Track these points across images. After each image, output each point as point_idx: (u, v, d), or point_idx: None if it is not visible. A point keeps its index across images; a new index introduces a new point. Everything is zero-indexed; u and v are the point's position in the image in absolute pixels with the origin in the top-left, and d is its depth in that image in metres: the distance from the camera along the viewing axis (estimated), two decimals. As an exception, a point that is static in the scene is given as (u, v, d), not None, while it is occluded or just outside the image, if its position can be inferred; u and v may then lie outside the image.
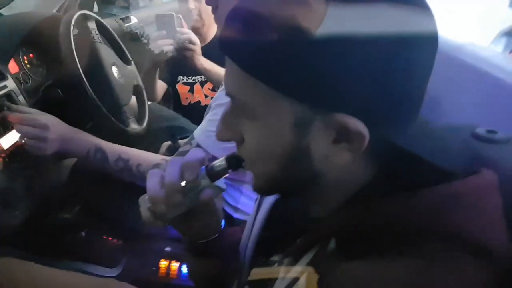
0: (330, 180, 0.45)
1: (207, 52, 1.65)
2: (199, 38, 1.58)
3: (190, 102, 1.83)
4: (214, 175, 0.55)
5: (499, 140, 0.49)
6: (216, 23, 1.05)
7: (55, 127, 1.01)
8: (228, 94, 0.46)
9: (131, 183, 1.07)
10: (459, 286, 0.36)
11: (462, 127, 0.53)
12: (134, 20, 1.92)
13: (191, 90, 1.82)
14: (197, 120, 1.48)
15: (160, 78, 1.75)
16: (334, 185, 0.46)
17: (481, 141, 0.49)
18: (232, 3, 1.06)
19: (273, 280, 0.50)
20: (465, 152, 0.46)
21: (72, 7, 1.64)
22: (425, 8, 0.40)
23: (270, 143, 0.44)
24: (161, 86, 1.80)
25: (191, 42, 1.48)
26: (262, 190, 0.51)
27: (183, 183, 0.54)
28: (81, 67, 1.07)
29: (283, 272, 0.49)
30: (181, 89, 1.83)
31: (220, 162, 0.55)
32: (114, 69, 1.22)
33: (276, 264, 0.52)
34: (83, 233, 1.14)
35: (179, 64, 1.78)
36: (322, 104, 0.39)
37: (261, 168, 0.47)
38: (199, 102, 1.82)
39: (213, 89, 1.76)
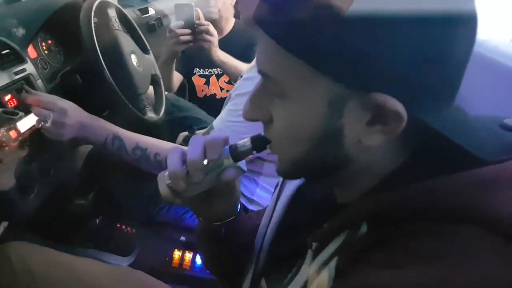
0: (360, 165, 0.44)
1: (223, 44, 1.65)
2: (216, 30, 1.58)
3: (205, 95, 1.83)
4: (237, 155, 0.53)
5: None
6: (240, 15, 1.03)
7: (74, 113, 1.00)
8: (260, 71, 0.44)
9: (147, 172, 1.07)
10: (497, 273, 0.35)
11: (490, 117, 0.53)
12: (152, 11, 1.91)
13: (207, 83, 1.81)
14: (212, 113, 1.47)
15: (176, 70, 1.74)
16: (364, 170, 0.45)
17: (510, 131, 0.49)
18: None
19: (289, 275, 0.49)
20: (496, 141, 0.45)
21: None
22: None
23: (301, 123, 0.42)
24: (177, 78, 1.80)
25: (209, 33, 1.47)
26: (287, 173, 0.49)
27: (205, 162, 0.52)
28: (101, 54, 1.07)
29: (303, 269, 0.48)
30: (197, 81, 1.83)
31: (244, 142, 0.53)
32: (133, 57, 1.22)
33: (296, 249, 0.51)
34: (97, 221, 1.13)
35: (195, 56, 1.78)
36: (360, 82, 0.38)
37: (288, 150, 0.45)
38: (214, 94, 1.81)
39: (229, 82, 1.75)
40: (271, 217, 0.63)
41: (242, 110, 0.48)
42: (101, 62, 1.06)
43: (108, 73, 1.07)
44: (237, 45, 1.74)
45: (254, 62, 1.10)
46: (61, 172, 1.04)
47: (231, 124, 1.00)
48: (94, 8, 1.09)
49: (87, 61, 1.08)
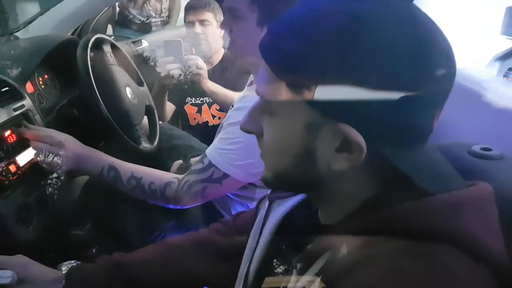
0: (335, 189, 0.49)
1: (214, 74, 1.70)
2: (206, 61, 1.64)
3: (198, 122, 1.87)
4: None
5: (493, 156, 0.53)
6: (230, 46, 1.09)
7: (70, 145, 1.04)
8: (257, 91, 0.51)
9: (142, 201, 1.10)
10: (459, 285, 0.38)
11: (460, 144, 0.57)
12: (145, 43, 1.97)
13: (199, 111, 1.86)
14: (206, 139, 1.52)
15: (168, 100, 1.80)
16: (340, 194, 0.49)
17: (477, 157, 0.54)
18: (245, 26, 1.10)
19: None
20: (463, 167, 0.49)
21: (86, 31, 1.70)
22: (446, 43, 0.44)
23: (283, 140, 0.49)
24: (169, 107, 1.85)
25: (198, 67, 1.53)
26: (269, 181, 0.54)
27: None
28: (96, 88, 1.11)
29: (292, 282, 0.51)
30: (189, 109, 1.88)
31: None
32: (128, 90, 1.26)
33: (283, 270, 0.54)
34: (93, 250, 1.15)
35: (186, 86, 1.83)
36: (331, 113, 0.44)
37: (272, 161, 0.52)
38: (207, 122, 1.86)
39: (221, 110, 1.80)
40: (257, 241, 0.67)
41: (240, 122, 0.55)
42: (97, 96, 1.11)
43: (103, 106, 1.11)
44: (226, 75, 1.81)
45: (243, 92, 1.15)
46: (58, 203, 1.07)
47: (223, 152, 1.04)
48: (90, 44, 1.14)
49: (83, 95, 1.13)
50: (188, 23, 1.77)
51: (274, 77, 0.46)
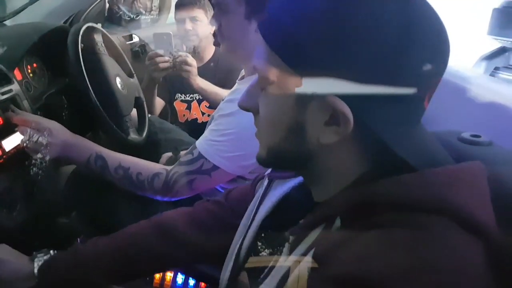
0: (326, 164, 0.50)
1: (203, 72, 1.70)
2: (196, 58, 1.64)
3: (187, 119, 1.86)
4: None
5: (482, 142, 0.55)
6: (220, 40, 1.09)
7: (58, 132, 1.03)
8: (254, 68, 0.52)
9: (130, 191, 1.09)
10: (452, 255, 0.39)
11: (450, 132, 0.58)
12: (136, 38, 1.96)
13: (189, 108, 1.86)
14: (194, 136, 1.51)
15: (158, 95, 1.79)
16: (332, 170, 0.50)
17: (467, 143, 0.55)
18: (233, 20, 1.11)
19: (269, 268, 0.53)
20: (453, 153, 0.50)
21: (77, 22, 1.68)
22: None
23: (275, 114, 0.50)
24: (159, 103, 1.84)
25: (187, 64, 1.53)
26: (263, 159, 0.55)
27: None
28: (87, 77, 1.10)
29: (281, 260, 0.52)
30: (179, 106, 1.87)
31: None
32: (118, 80, 1.25)
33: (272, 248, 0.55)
34: (78, 240, 1.13)
35: (176, 82, 1.83)
36: (322, 85, 0.45)
37: (265, 137, 0.53)
38: (196, 119, 1.85)
39: (210, 107, 1.80)
40: (252, 218, 0.67)
41: (239, 100, 0.56)
42: (87, 84, 1.10)
43: (93, 95, 1.10)
44: (216, 72, 1.81)
45: (235, 86, 1.15)
46: (44, 190, 1.05)
47: (214, 143, 1.03)
48: (81, 33, 1.13)
49: (73, 83, 1.12)
50: (179, 20, 1.77)
51: (269, 52, 0.48)
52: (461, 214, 0.41)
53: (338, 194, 0.50)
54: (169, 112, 1.93)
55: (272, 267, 0.53)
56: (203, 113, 1.84)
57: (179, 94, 1.86)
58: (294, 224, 0.53)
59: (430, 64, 0.45)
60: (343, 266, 0.41)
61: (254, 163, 1.02)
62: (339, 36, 0.43)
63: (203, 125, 1.75)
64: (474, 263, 0.40)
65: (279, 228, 0.60)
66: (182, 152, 1.28)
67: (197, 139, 1.13)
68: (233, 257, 0.67)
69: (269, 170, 0.72)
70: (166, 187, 1.07)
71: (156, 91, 1.72)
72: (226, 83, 1.69)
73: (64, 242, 1.15)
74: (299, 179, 0.63)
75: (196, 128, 1.69)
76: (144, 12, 2.53)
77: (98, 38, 1.25)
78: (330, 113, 0.46)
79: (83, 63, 1.11)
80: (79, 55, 1.10)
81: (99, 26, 1.27)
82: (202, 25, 1.75)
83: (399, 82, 0.44)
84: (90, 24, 1.21)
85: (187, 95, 1.85)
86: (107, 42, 1.30)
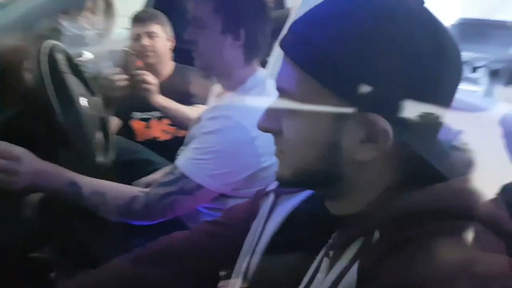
0: (356, 179, 0.50)
1: (164, 88, 1.66)
2: (155, 75, 1.60)
3: (146, 139, 1.79)
4: None
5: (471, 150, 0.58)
6: (195, 56, 1.08)
7: (28, 160, 0.95)
8: (279, 88, 0.52)
9: (106, 219, 1.03)
10: (494, 257, 0.43)
11: (443, 141, 0.63)
12: (87, 55, 1.87)
13: (148, 126, 1.79)
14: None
15: (113, 114, 1.71)
16: (361, 185, 0.51)
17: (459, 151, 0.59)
18: (210, 36, 1.11)
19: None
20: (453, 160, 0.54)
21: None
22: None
23: (308, 135, 0.50)
24: (114, 123, 1.75)
25: (147, 82, 1.48)
26: (287, 178, 0.54)
27: None
28: (53, 97, 1.03)
29: (319, 278, 0.52)
30: (137, 125, 1.80)
31: None
32: (83, 100, 1.18)
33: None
34: (52, 274, 1.05)
35: (133, 100, 1.75)
36: (361, 103, 0.46)
37: (294, 157, 0.52)
38: (156, 138, 1.79)
39: (172, 125, 1.75)
40: (259, 237, 0.66)
41: (257, 121, 0.54)
42: (53, 106, 1.02)
43: (61, 117, 1.03)
44: (176, 88, 1.77)
45: (214, 103, 1.14)
46: (8, 224, 0.96)
47: (198, 162, 1.01)
48: (47, 51, 1.06)
49: (36, 105, 1.03)
50: (135, 36, 1.72)
51: (301, 73, 0.48)
52: (491, 220, 0.45)
53: (375, 207, 0.50)
54: (123, 133, 1.85)
55: (308, 284, 0.53)
56: (164, 131, 1.79)
57: (136, 112, 1.80)
58: (308, 238, 0.53)
59: (456, 81, 0.48)
60: (393, 277, 0.42)
61: (239, 180, 1.03)
62: (377, 54, 0.45)
63: (165, 144, 1.70)
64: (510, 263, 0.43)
65: (289, 243, 0.60)
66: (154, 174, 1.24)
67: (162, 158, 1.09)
68: (241, 276, 0.65)
69: (272, 186, 0.72)
70: (146, 210, 1.03)
71: (113, 111, 1.65)
72: (186, 99, 1.66)
73: (38, 278, 1.06)
74: (307, 193, 0.63)
75: (156, 147, 1.64)
76: (88, 27, 2.42)
77: (59, 56, 1.18)
78: (367, 131, 0.47)
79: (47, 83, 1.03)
80: (42, 76, 1.03)
81: (59, 43, 1.19)
82: (160, 40, 1.71)
83: (435, 99, 0.46)
84: (54, 42, 1.13)
85: (145, 113, 1.79)
86: (68, 60, 1.23)
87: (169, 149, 1.58)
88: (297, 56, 0.49)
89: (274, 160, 1.00)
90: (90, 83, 1.32)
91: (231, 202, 1.10)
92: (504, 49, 2.15)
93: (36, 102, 1.03)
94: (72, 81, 1.18)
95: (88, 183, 1.02)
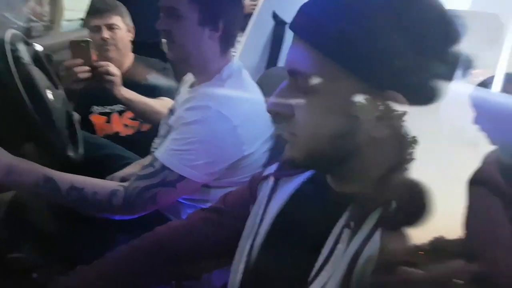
0: (367, 156, 0.53)
1: (124, 81, 1.61)
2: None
3: (107, 134, 1.73)
4: None
5: None
6: (169, 47, 1.07)
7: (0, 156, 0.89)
8: (291, 70, 0.52)
9: (86, 214, 0.99)
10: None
11: None
12: (39, 47, 1.76)
13: (108, 121, 1.73)
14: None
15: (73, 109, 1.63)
16: (373, 161, 0.53)
17: None
18: (186, 26, 1.10)
19: None
20: None
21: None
22: None
23: (325, 116, 0.51)
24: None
25: (110, 73, 1.43)
26: (300, 161, 0.55)
27: None
28: (20, 90, 0.97)
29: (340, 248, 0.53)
30: (97, 120, 1.73)
31: None
32: (49, 93, 1.13)
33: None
34: (34, 275, 0.99)
35: (92, 94, 1.68)
36: (382, 82, 0.48)
37: (308, 140, 0.53)
38: (117, 133, 1.73)
39: (134, 119, 1.70)
40: (261, 219, 0.67)
41: (266, 105, 0.54)
42: (24, 97, 0.97)
43: (32, 110, 0.97)
44: (138, 79, 1.72)
45: (189, 93, 1.12)
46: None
47: (179, 153, 1.00)
48: (9, 40, 0.99)
49: (5, 97, 0.97)
50: (93, 28, 1.65)
51: (317, 54, 0.49)
52: (497, 186, 0.51)
53: (388, 180, 0.53)
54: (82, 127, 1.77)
55: (327, 258, 0.55)
56: (126, 125, 1.73)
57: (96, 107, 1.73)
58: (314, 216, 0.56)
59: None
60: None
61: (222, 169, 1.03)
62: (394, 31, 0.47)
63: (126, 139, 1.65)
64: None
65: (295, 222, 0.62)
66: (130, 167, 1.21)
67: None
68: (244, 259, 0.66)
69: (272, 170, 0.72)
70: (126, 204, 1.00)
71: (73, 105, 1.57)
72: (149, 90, 1.62)
73: (20, 278, 1.00)
74: (308, 174, 0.64)
75: (117, 143, 1.58)
76: (34, 18, 2.28)
77: (20, 46, 1.11)
78: (384, 108, 0.49)
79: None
80: (9, 67, 0.97)
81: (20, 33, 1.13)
82: (120, 32, 1.66)
83: (447, 75, 0.50)
84: (14, 31, 1.06)
85: (106, 107, 1.73)
86: (30, 50, 1.16)
87: (131, 144, 1.55)
88: (314, 38, 0.50)
89: (255, 148, 1.04)
90: (52, 75, 1.26)
91: (213, 193, 1.10)
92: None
93: (3, 94, 0.96)
94: (37, 73, 1.12)
95: (65, 178, 0.97)
